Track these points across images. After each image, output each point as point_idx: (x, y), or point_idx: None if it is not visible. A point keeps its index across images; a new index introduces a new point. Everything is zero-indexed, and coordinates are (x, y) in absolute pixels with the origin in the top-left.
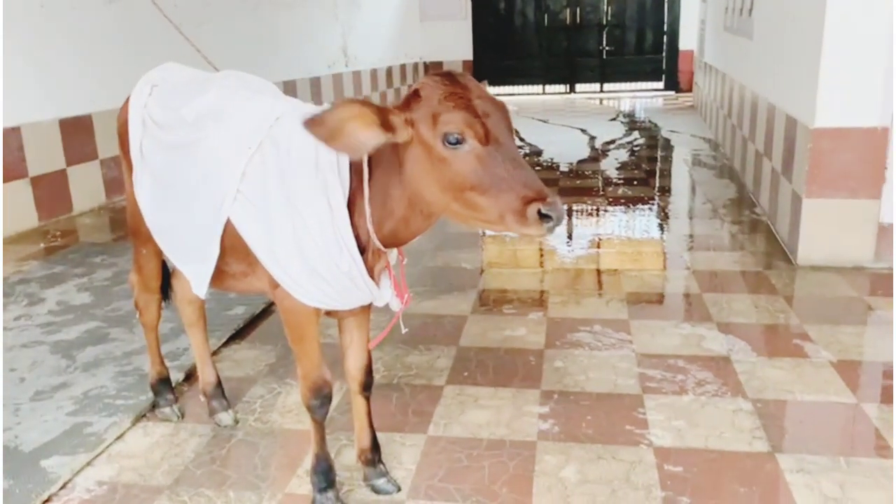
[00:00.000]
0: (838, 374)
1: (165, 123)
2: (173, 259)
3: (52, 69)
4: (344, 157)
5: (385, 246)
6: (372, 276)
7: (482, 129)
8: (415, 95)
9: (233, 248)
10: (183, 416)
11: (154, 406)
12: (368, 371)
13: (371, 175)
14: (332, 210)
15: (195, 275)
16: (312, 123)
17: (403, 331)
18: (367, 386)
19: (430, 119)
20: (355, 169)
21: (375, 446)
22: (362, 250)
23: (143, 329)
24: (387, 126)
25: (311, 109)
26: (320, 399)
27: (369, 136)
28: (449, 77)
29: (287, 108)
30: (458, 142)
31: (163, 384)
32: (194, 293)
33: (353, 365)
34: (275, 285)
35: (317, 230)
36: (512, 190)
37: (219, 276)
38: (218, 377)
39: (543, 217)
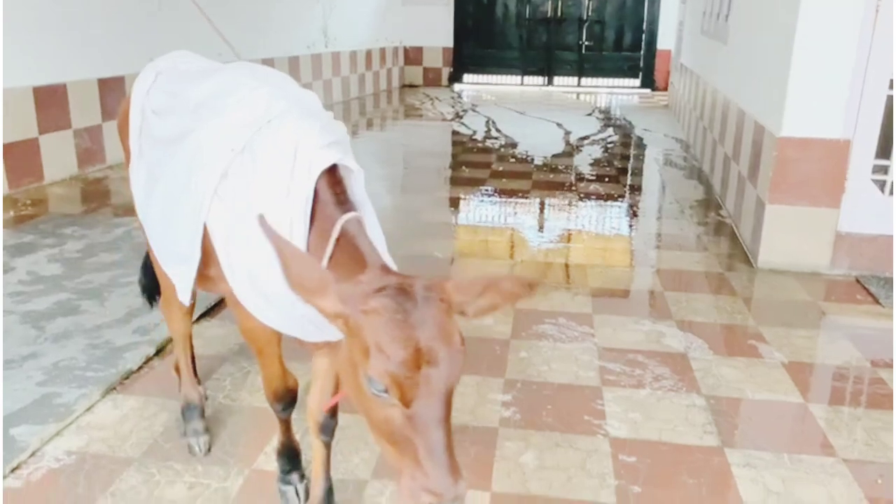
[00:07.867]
0: (789, 375)
1: (162, 110)
2: (159, 260)
3: (27, 35)
4: (309, 201)
5: None
6: None
7: (409, 392)
8: (367, 300)
9: (211, 251)
10: (209, 450)
11: (183, 434)
12: (332, 412)
13: (332, 258)
14: None
15: (178, 278)
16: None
17: None
18: (326, 429)
19: (364, 347)
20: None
21: (329, 495)
22: None
23: (174, 339)
24: (316, 293)
25: (312, 108)
26: (283, 403)
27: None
28: (406, 306)
29: (284, 107)
30: (382, 390)
31: (191, 410)
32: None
33: (315, 400)
34: (235, 302)
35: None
36: (414, 464)
37: (201, 278)
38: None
39: None
